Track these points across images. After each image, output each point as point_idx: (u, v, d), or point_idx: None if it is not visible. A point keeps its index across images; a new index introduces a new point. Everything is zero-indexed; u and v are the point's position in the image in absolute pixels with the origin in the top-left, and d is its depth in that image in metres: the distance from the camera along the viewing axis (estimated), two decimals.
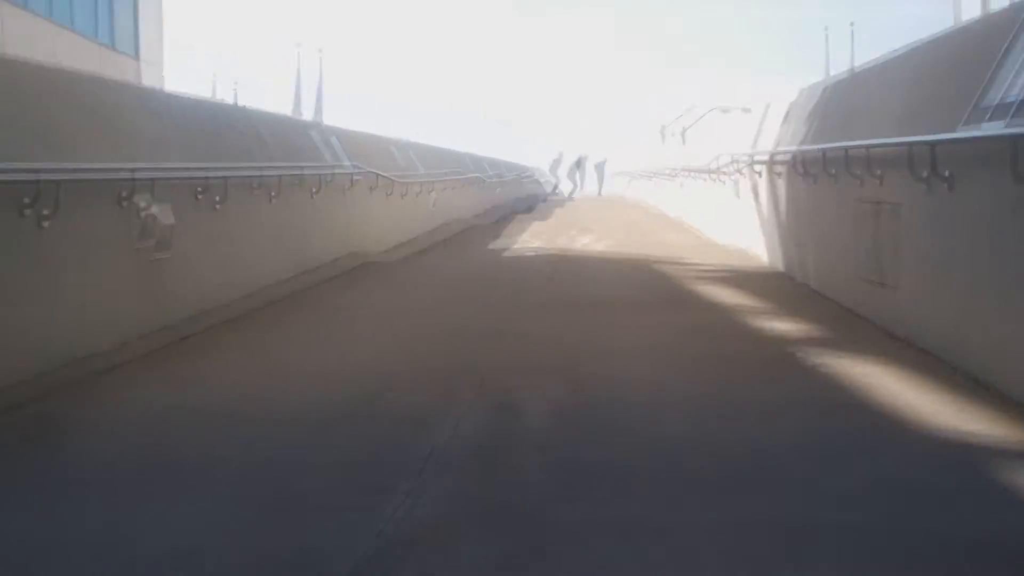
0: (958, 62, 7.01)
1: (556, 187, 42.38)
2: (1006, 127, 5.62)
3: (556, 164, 42.79)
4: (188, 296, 8.65)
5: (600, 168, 43.84)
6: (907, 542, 3.86)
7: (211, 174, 9.10)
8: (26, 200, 6.33)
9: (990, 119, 5.96)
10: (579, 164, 41.34)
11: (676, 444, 5.20)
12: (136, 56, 26.13)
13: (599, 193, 42.57)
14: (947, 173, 6.53)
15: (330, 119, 15.82)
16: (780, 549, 3.84)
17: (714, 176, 16.52)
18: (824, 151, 8.93)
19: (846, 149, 8.21)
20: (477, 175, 26.02)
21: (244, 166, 10.24)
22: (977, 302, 6.23)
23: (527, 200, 33.97)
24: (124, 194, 7.60)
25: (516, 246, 17.17)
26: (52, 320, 6.69)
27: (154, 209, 7.90)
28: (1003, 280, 5.86)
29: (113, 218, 7.54)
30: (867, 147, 7.76)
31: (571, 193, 40.09)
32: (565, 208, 30.36)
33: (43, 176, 6.42)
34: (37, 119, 7.08)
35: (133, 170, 7.71)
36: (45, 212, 6.47)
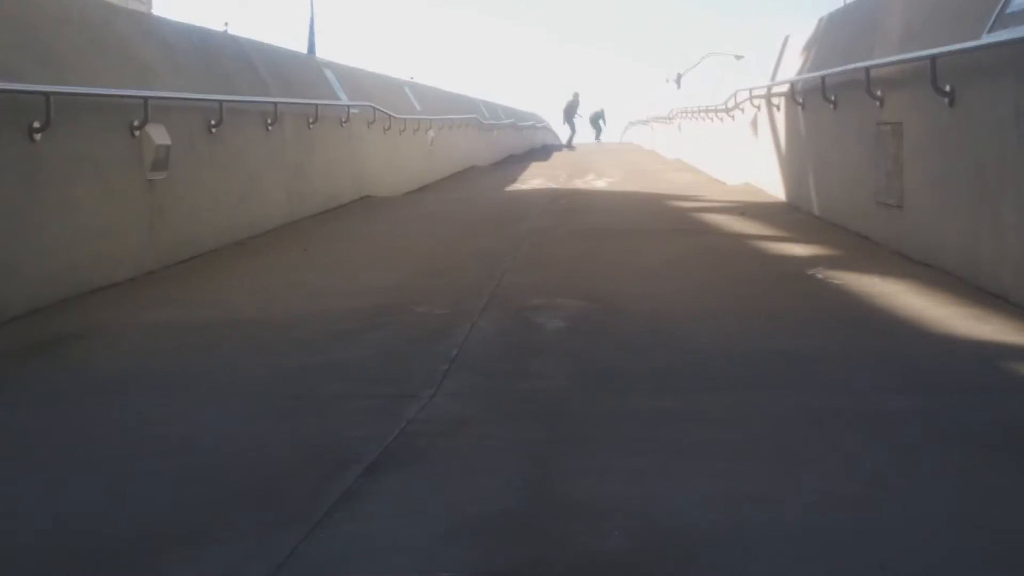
0: None
1: (572, 138, 37.67)
2: None
3: (572, 109, 37.61)
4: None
5: (597, 118, 42.31)
6: (931, 425, 3.84)
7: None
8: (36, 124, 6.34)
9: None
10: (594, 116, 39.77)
11: (703, 348, 5.16)
12: None
13: (597, 139, 41.83)
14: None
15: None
16: (806, 430, 3.80)
17: (721, 114, 16.34)
18: (843, 73, 8.76)
19: (867, 69, 8.05)
20: (475, 116, 25.84)
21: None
22: (991, 216, 6.14)
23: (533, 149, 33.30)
24: (136, 123, 7.61)
25: (522, 185, 17.08)
26: (54, 233, 6.63)
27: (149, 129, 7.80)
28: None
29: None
30: (891, 63, 7.63)
31: (570, 140, 37.31)
32: (564, 153, 30.26)
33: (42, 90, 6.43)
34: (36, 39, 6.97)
35: (146, 98, 7.69)
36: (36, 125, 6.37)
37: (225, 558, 2.85)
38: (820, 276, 6.98)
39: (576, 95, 37.48)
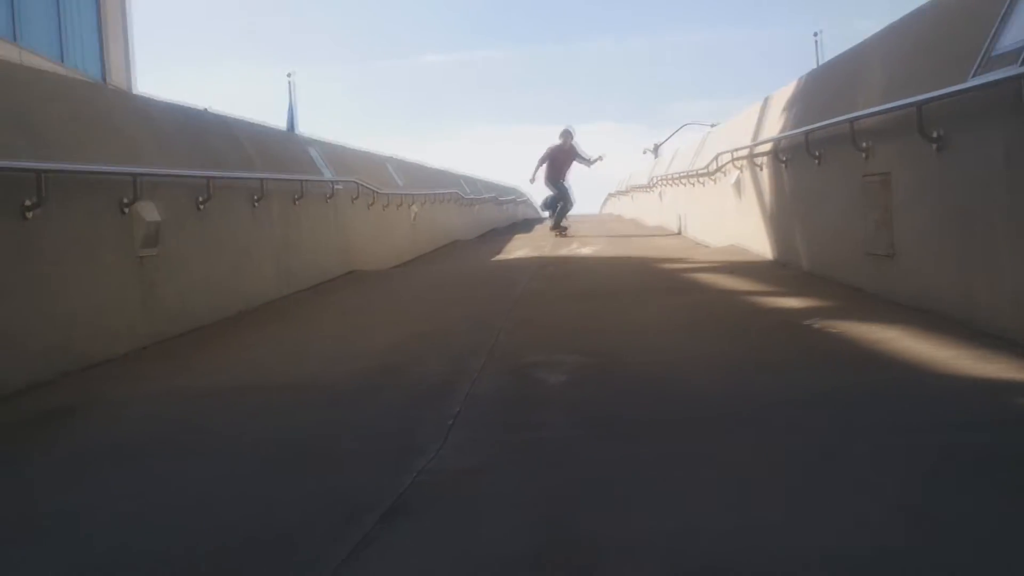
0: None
1: (563, 209, 22.89)
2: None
3: (562, 160, 22.39)
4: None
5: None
6: (952, 457, 3.79)
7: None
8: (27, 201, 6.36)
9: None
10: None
11: (705, 395, 5.15)
12: (104, 81, 26.11)
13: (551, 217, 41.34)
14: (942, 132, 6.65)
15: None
16: (824, 465, 3.77)
17: (703, 179, 16.48)
18: (830, 127, 8.82)
19: (851, 122, 8.12)
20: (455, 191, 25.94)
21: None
22: (985, 259, 6.17)
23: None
24: (126, 200, 7.65)
25: (508, 255, 17.16)
26: (47, 309, 6.61)
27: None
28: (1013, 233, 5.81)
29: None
30: (877, 113, 7.67)
31: (560, 213, 23.30)
32: (546, 225, 30.36)
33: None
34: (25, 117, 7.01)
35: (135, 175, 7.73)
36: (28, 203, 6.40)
37: None
38: (817, 326, 6.98)
39: (568, 131, 22.62)
